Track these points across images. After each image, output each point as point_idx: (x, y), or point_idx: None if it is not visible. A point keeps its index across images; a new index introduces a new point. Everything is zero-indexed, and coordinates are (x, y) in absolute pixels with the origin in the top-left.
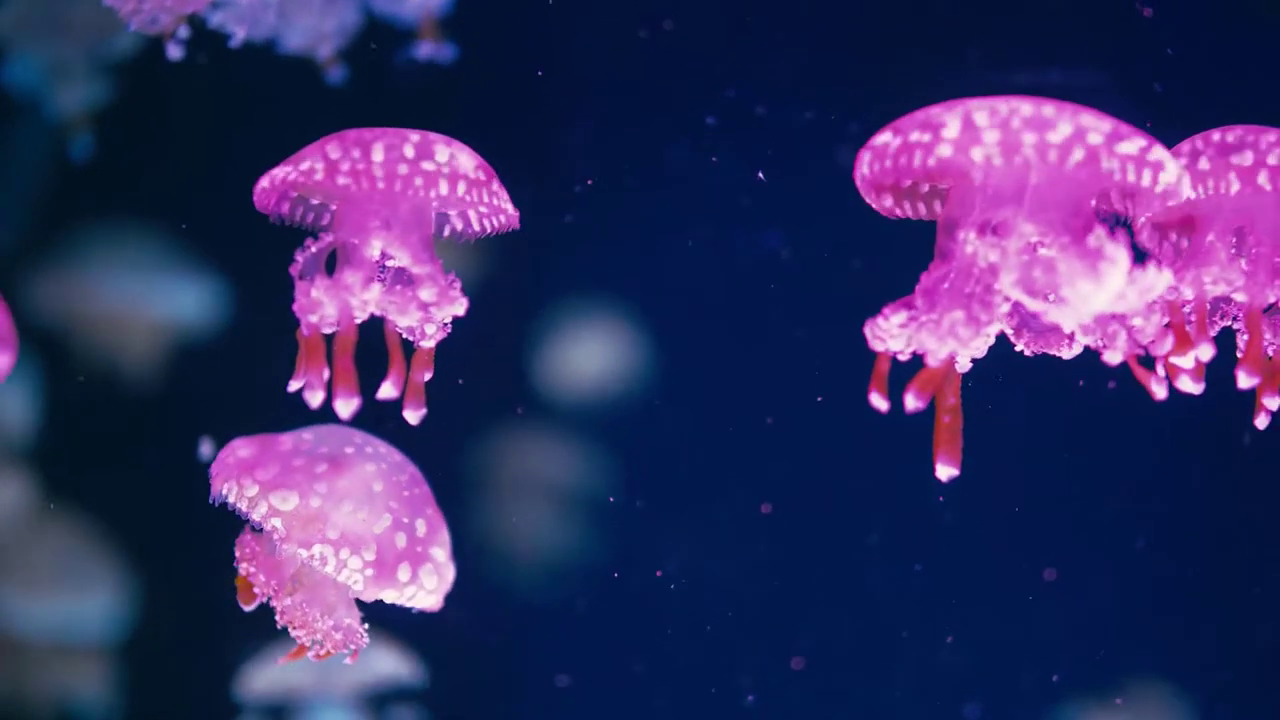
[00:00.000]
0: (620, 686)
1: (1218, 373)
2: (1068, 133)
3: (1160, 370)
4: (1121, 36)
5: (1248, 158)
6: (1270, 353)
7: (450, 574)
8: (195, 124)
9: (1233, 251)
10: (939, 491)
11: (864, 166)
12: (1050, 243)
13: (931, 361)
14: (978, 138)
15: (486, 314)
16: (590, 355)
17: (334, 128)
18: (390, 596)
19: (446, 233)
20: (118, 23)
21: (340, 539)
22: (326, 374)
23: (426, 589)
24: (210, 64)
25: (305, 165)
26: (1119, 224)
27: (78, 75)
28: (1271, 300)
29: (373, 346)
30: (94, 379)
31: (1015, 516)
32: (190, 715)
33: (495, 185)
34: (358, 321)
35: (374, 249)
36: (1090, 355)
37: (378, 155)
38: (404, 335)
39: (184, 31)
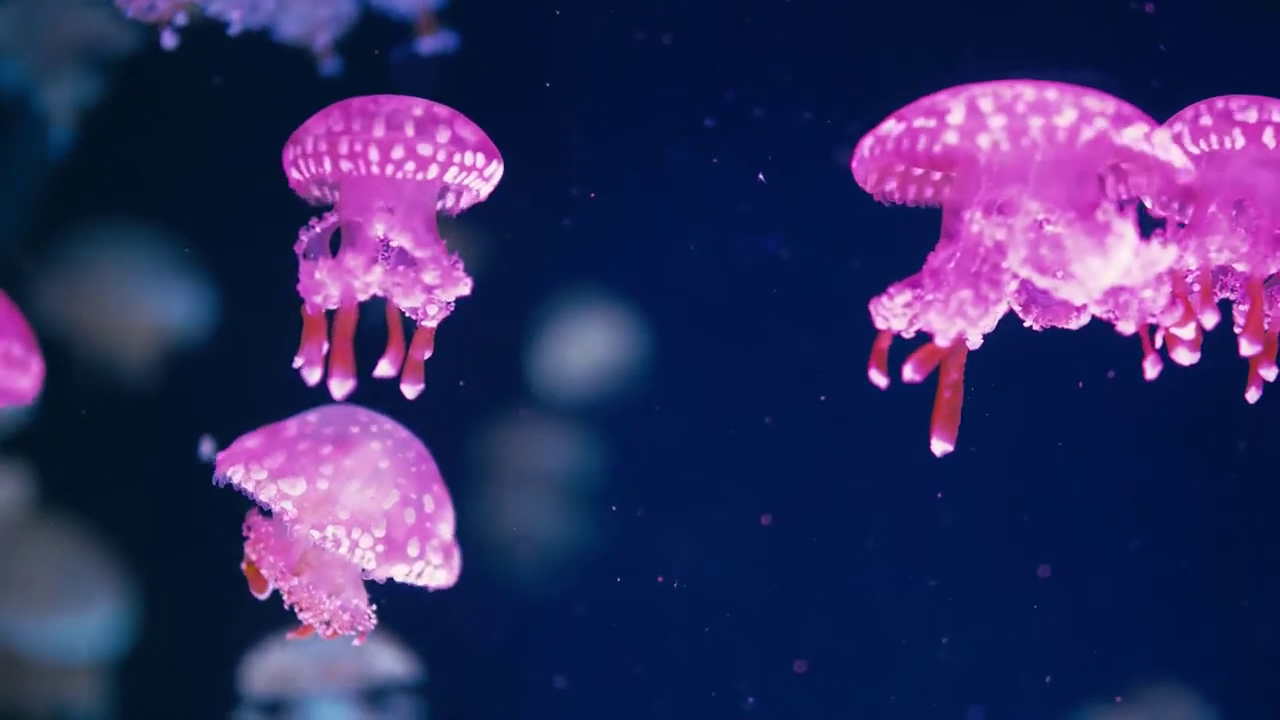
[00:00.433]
0: (619, 687)
1: (1216, 374)
2: (1072, 118)
3: (1159, 342)
4: (1121, 35)
5: (1252, 114)
6: (1267, 325)
7: (457, 551)
8: (189, 124)
9: (1234, 223)
10: (938, 489)
11: (865, 150)
12: (1056, 219)
13: (941, 341)
14: (983, 124)
15: (486, 313)
16: (589, 356)
17: None
18: (400, 574)
19: (451, 203)
20: (105, 22)
21: (350, 518)
22: (325, 349)
23: (434, 564)
24: (204, 57)
25: (314, 148)
26: (1123, 199)
27: (65, 75)
28: (1273, 270)
29: (376, 324)
30: (90, 381)
31: (1014, 517)
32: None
33: (495, 163)
34: (360, 301)
35: (377, 230)
36: (1087, 356)
37: (378, 132)
38: (406, 314)
39: (181, 18)
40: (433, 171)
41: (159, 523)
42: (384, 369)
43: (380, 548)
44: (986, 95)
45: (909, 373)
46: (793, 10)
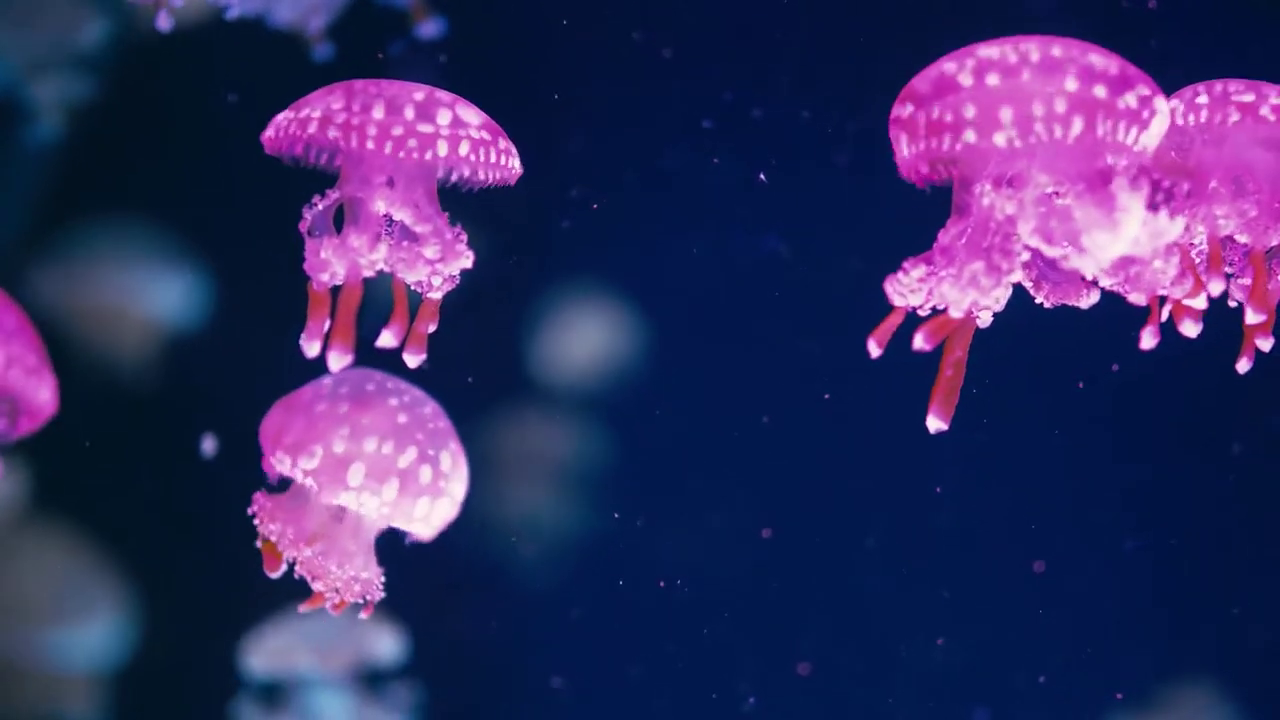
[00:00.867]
0: (616, 689)
1: (1212, 379)
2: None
3: (1165, 314)
4: (1120, 34)
5: (1249, 95)
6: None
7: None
8: (184, 114)
9: (1235, 196)
10: (937, 488)
11: (904, 148)
12: (1065, 191)
13: (954, 313)
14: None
15: (486, 312)
16: (588, 357)
17: None
18: (409, 520)
19: (454, 177)
20: (91, 18)
21: (367, 475)
22: (327, 325)
23: (434, 525)
24: (199, 45)
25: (307, 115)
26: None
27: (53, 71)
28: (1274, 242)
29: (382, 298)
30: (86, 376)
31: (1014, 517)
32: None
33: (502, 143)
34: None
35: (379, 206)
36: (1086, 357)
37: (378, 114)
38: (412, 287)
39: (178, 1)
40: (442, 149)
41: (157, 521)
42: (386, 340)
43: (398, 501)
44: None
45: (919, 342)
46: (790, 11)
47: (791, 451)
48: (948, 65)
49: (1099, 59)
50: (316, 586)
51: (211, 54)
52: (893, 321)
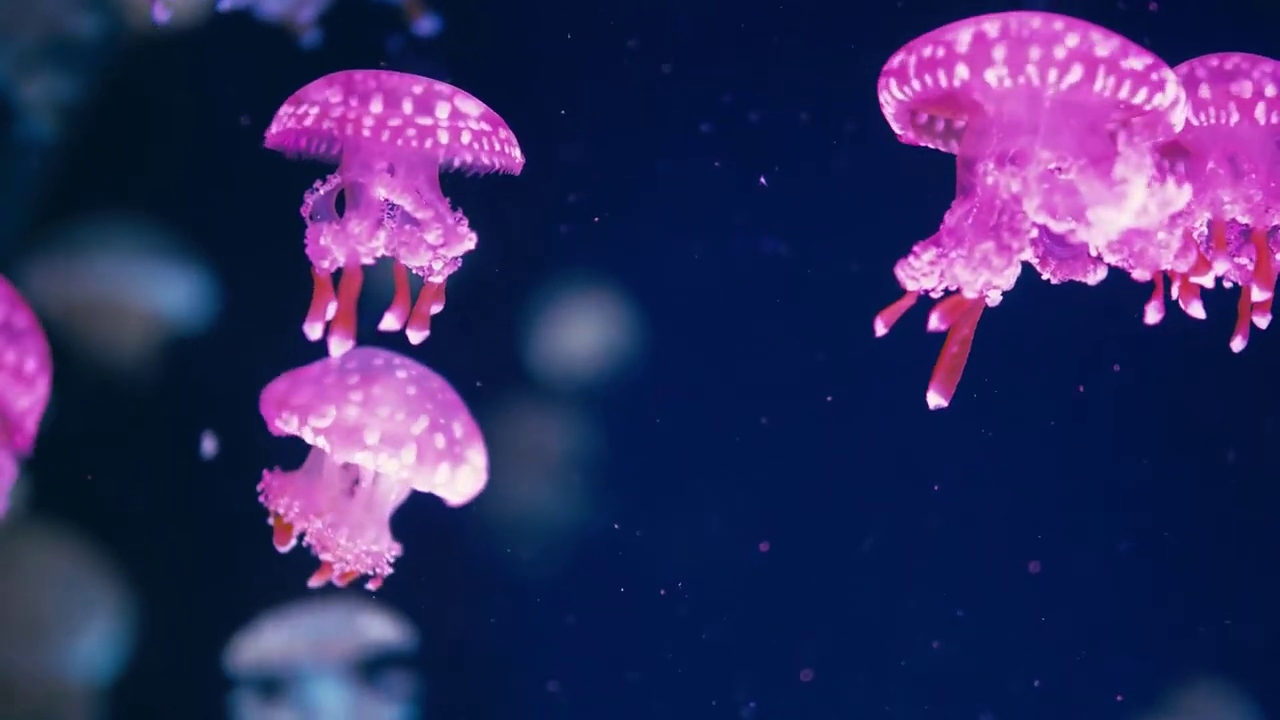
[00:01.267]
0: (614, 694)
1: (1209, 381)
2: (1075, 44)
3: (1175, 292)
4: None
5: (1246, 89)
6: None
7: (485, 477)
8: (179, 110)
9: (1234, 177)
10: (935, 490)
11: (893, 92)
12: (1069, 166)
13: (968, 294)
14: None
15: (485, 314)
16: (587, 361)
17: None
18: (429, 485)
19: (457, 162)
20: (78, 13)
21: (381, 440)
22: (331, 310)
23: (461, 492)
24: (192, 39)
25: (306, 112)
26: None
27: (42, 70)
28: (1275, 222)
29: (388, 287)
30: (87, 373)
31: (1011, 521)
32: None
33: (502, 133)
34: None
35: (379, 192)
36: (1084, 358)
37: (376, 108)
38: (414, 271)
39: None
40: (443, 137)
41: (155, 519)
42: (389, 323)
43: (415, 465)
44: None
45: (934, 322)
46: (788, 14)
47: (790, 453)
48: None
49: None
50: (325, 557)
51: (205, 48)
52: (903, 304)
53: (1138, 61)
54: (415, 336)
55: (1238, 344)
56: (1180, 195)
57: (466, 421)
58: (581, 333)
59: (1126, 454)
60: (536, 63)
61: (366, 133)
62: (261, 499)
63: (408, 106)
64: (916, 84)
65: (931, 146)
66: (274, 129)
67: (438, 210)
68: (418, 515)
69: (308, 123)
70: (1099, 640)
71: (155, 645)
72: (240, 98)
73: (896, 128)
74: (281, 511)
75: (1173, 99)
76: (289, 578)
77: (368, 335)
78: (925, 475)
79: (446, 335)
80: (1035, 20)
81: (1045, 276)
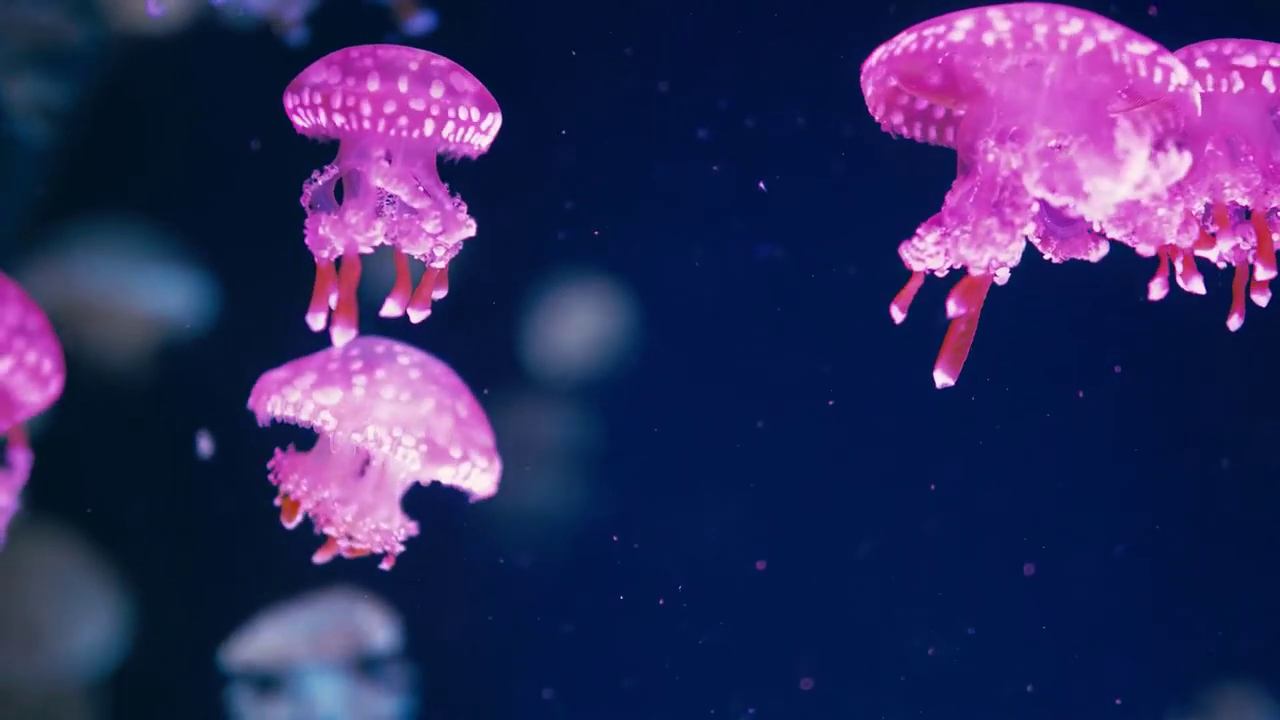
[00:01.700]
0: (608, 702)
1: (1206, 387)
2: (1078, 28)
3: (1180, 267)
4: None
5: (1250, 59)
6: (1251, 259)
7: (498, 460)
8: (172, 112)
9: (1232, 159)
10: (931, 494)
11: (874, 61)
12: (1069, 142)
13: (974, 271)
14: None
15: (483, 321)
16: (584, 368)
17: None
18: (446, 475)
19: (453, 144)
20: (66, 17)
21: (390, 420)
22: (333, 300)
23: (479, 467)
24: (182, 40)
25: (306, 100)
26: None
27: (27, 72)
28: (1273, 204)
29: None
30: (80, 374)
31: (1008, 524)
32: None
33: (493, 115)
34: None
35: (376, 181)
36: (1082, 359)
37: (372, 86)
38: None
39: None
40: (429, 127)
41: (152, 519)
42: (390, 309)
43: (423, 447)
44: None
45: (952, 308)
46: (784, 18)
47: (786, 457)
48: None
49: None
50: (330, 532)
51: (196, 48)
52: (912, 287)
53: (1143, 47)
54: (416, 316)
55: (1234, 323)
56: (1181, 164)
57: (471, 404)
58: (580, 338)
59: (1123, 457)
60: (532, 70)
61: (366, 123)
62: (270, 477)
63: (403, 85)
64: (908, 54)
65: (911, 136)
66: (300, 121)
67: (435, 198)
68: (414, 516)
69: (318, 112)
70: (1099, 644)
71: (152, 646)
72: (231, 99)
73: (879, 111)
74: (290, 488)
75: (1183, 82)
76: (287, 578)
77: (369, 324)
78: (922, 479)
79: (446, 341)
80: (1039, 9)
81: (1047, 256)
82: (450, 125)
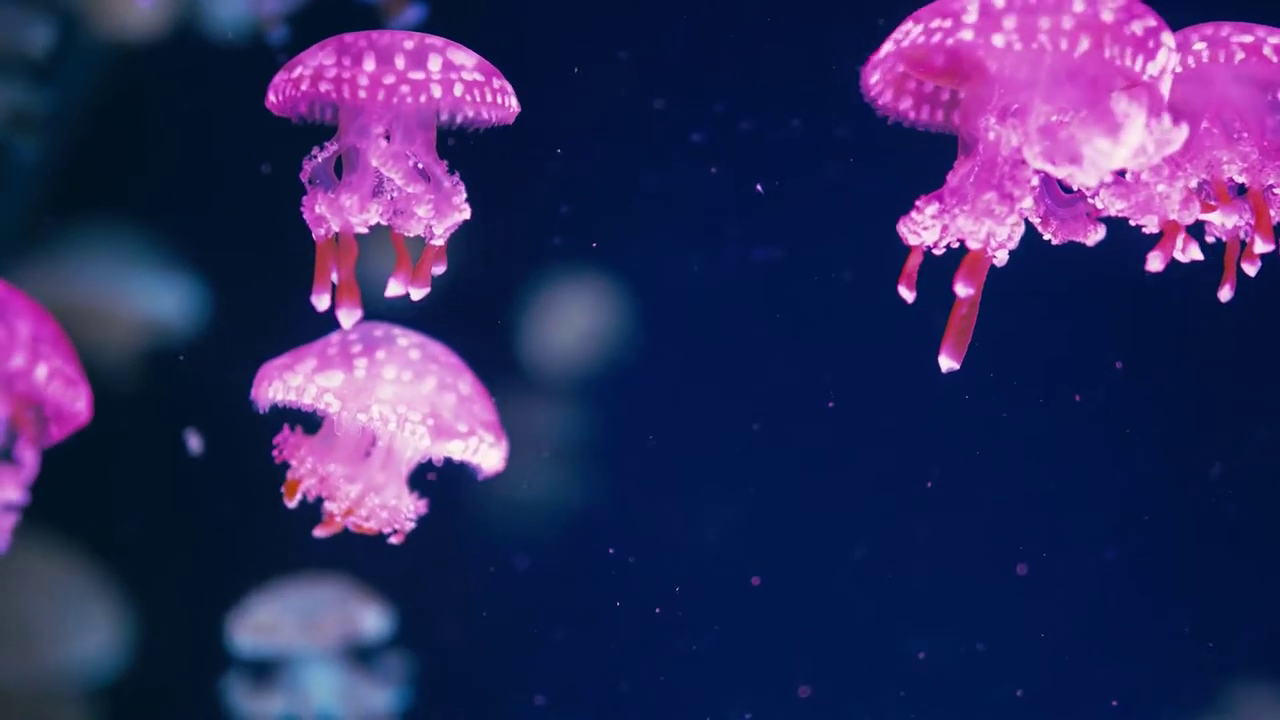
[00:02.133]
0: (604, 708)
1: (1199, 393)
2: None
3: (1181, 242)
4: None
5: (1249, 36)
6: (1243, 235)
7: (504, 436)
8: (163, 116)
9: (1228, 137)
10: (928, 497)
11: (882, 54)
12: (1070, 119)
13: (972, 245)
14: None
15: (480, 324)
16: (580, 368)
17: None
18: (455, 450)
19: (452, 120)
20: (33, 24)
21: (393, 399)
22: (334, 278)
23: (487, 442)
24: (168, 41)
25: (300, 74)
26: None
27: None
28: (1269, 181)
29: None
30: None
31: (1007, 526)
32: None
33: (496, 82)
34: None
35: (374, 160)
36: (1077, 363)
37: (369, 66)
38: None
39: None
40: (436, 91)
41: (145, 523)
42: (394, 289)
43: (430, 422)
44: None
45: (961, 290)
46: (777, 22)
47: (782, 460)
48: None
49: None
50: (333, 509)
51: (186, 53)
52: (913, 263)
53: (1140, 25)
54: (416, 294)
55: (1225, 294)
56: (1178, 134)
57: (473, 382)
58: (577, 342)
59: (1118, 460)
60: (525, 74)
61: (363, 93)
62: (275, 454)
63: (400, 63)
64: (918, 41)
65: (917, 120)
66: (273, 96)
67: (433, 177)
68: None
69: (304, 87)
70: (1098, 645)
71: (151, 646)
72: (222, 103)
73: (886, 97)
74: (295, 464)
75: (1154, 73)
76: (285, 579)
77: (368, 313)
78: (919, 481)
79: (444, 340)
80: None
81: (1046, 236)
82: (455, 90)
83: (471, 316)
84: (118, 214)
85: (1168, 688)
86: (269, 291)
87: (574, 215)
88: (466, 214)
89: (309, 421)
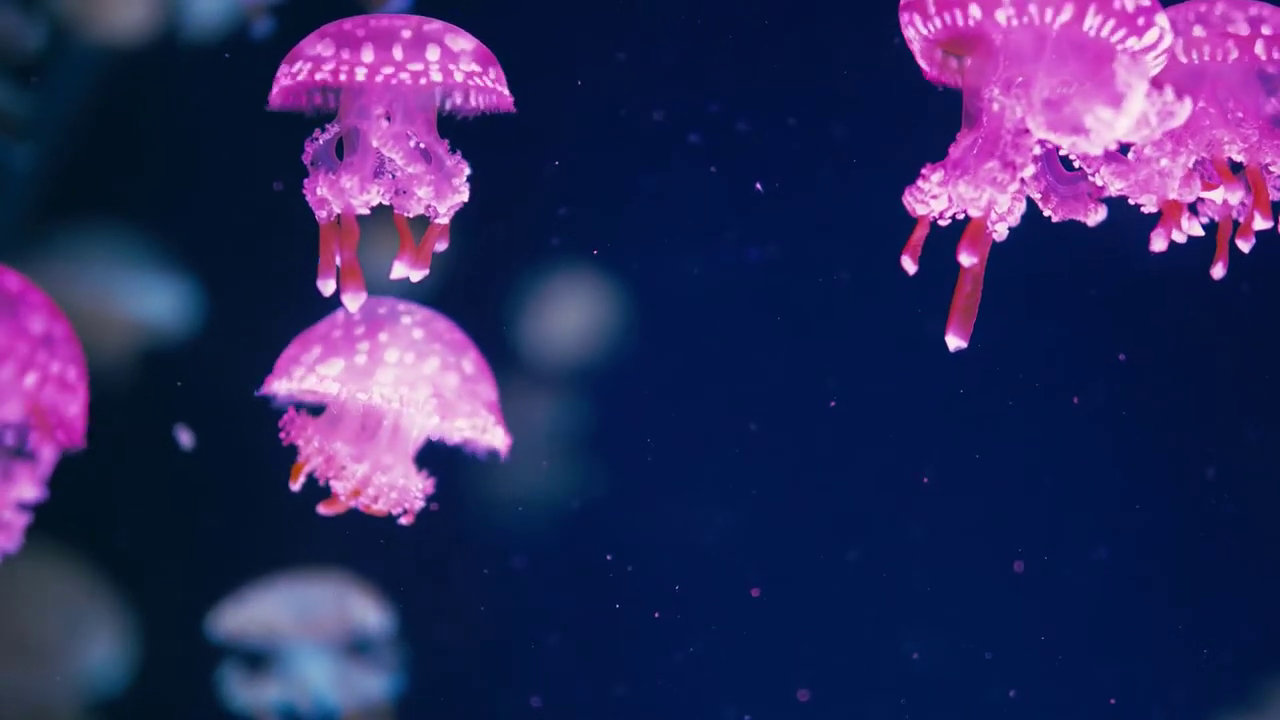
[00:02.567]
0: (599, 711)
1: (1192, 394)
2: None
3: (1184, 222)
4: None
5: (1243, 27)
6: (1236, 215)
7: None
8: (156, 119)
9: (1224, 116)
10: (925, 499)
11: (918, 27)
12: (1073, 90)
13: (973, 213)
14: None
15: (477, 326)
16: (577, 369)
17: None
18: (461, 428)
19: (449, 105)
20: (23, 26)
21: (395, 381)
22: (338, 261)
23: (493, 422)
24: (163, 41)
25: (299, 68)
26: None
27: None
28: (1266, 160)
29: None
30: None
31: (1005, 527)
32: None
33: (493, 72)
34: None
35: (375, 141)
36: (1080, 362)
37: (368, 56)
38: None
39: None
40: (436, 75)
41: (137, 514)
42: (399, 271)
43: (434, 401)
44: None
45: (965, 259)
46: (773, 22)
47: (780, 460)
48: None
49: None
50: (336, 488)
51: (177, 55)
52: (919, 235)
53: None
54: (416, 275)
55: (1218, 271)
56: (1180, 109)
57: (477, 360)
58: (574, 343)
59: (1115, 460)
60: (521, 74)
61: (361, 75)
62: (281, 435)
63: (398, 52)
64: (936, 23)
65: (955, 85)
66: (275, 91)
67: (435, 157)
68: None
69: (301, 78)
70: (1096, 645)
71: (149, 647)
72: (215, 103)
73: (923, 64)
74: (302, 444)
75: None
76: (283, 579)
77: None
78: (917, 482)
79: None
80: None
81: (1047, 213)
82: (458, 72)
83: (469, 318)
84: (111, 216)
85: (1164, 687)
86: (264, 291)
87: (572, 216)
88: (465, 196)
89: (315, 409)
